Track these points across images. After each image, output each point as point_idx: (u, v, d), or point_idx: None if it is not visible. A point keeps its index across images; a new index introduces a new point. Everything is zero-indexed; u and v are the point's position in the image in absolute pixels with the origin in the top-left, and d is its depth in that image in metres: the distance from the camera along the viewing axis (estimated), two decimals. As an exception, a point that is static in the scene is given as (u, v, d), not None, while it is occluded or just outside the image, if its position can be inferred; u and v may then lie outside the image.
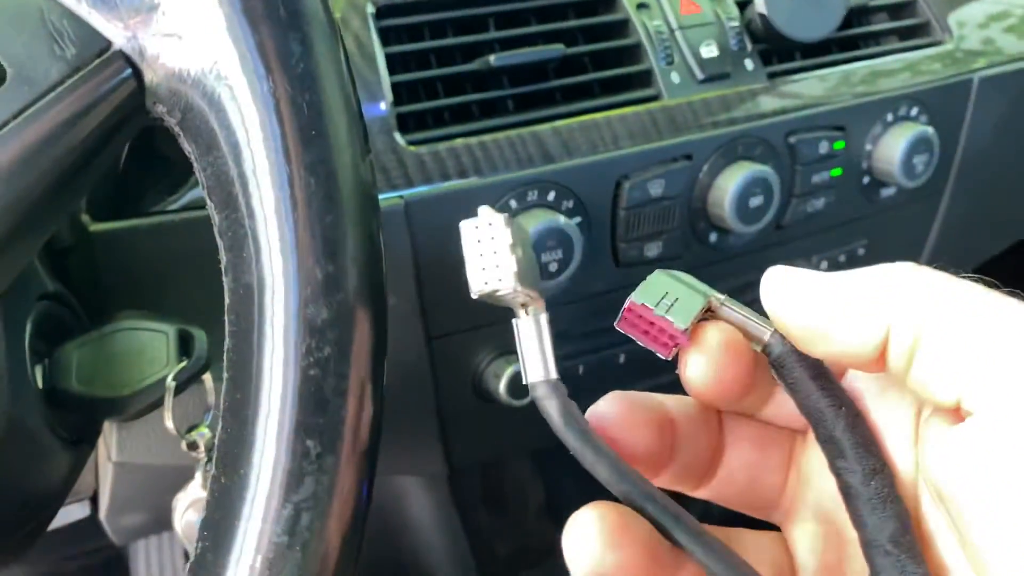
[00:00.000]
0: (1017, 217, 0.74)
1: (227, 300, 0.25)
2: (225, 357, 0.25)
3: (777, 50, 0.58)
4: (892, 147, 0.59)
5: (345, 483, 0.25)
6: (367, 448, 0.25)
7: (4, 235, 0.24)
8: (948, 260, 0.70)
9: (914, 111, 0.61)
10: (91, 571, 0.88)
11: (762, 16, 0.55)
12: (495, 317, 0.53)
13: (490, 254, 0.24)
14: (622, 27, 0.55)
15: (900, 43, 0.63)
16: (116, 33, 0.25)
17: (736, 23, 0.56)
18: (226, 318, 0.25)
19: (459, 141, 0.49)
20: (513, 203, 0.49)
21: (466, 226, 0.24)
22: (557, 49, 0.51)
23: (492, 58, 0.50)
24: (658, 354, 0.24)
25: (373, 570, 0.67)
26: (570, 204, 0.51)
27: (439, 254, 0.49)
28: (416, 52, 0.50)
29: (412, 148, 0.48)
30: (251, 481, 0.24)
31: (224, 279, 0.25)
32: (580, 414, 0.25)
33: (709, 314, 0.25)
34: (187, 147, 0.26)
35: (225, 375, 0.25)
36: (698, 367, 0.24)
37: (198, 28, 0.24)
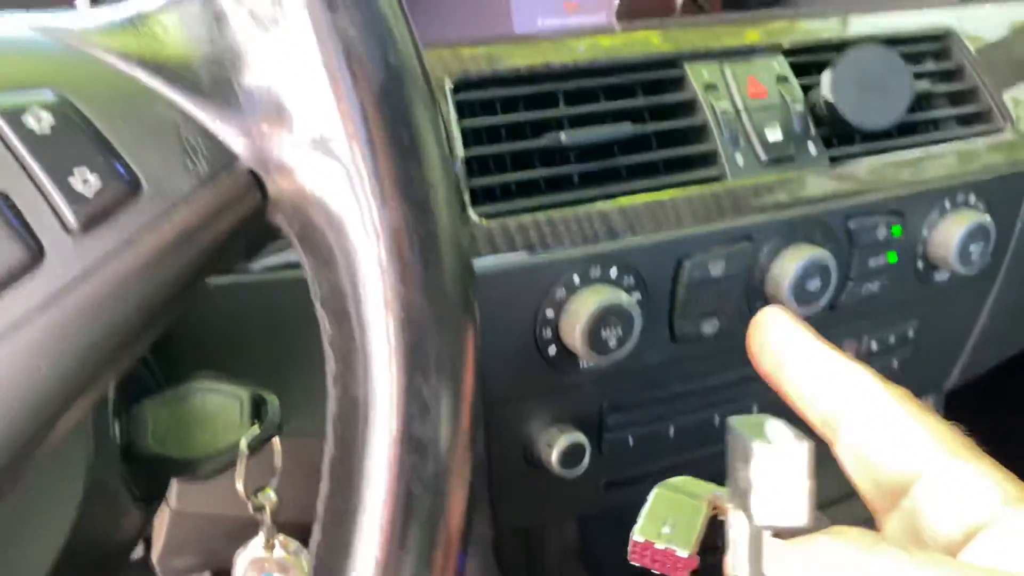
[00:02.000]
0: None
1: (333, 408, 0.26)
2: (326, 461, 0.26)
3: (839, 135, 0.59)
4: (949, 234, 0.59)
5: None
6: (461, 564, 0.26)
7: (134, 330, 0.25)
8: (995, 342, 0.70)
9: (972, 199, 0.61)
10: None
11: (827, 102, 0.56)
12: (550, 387, 0.53)
13: (784, 485, 0.21)
14: (689, 107, 0.56)
15: (960, 129, 0.63)
16: (244, 148, 0.26)
17: (801, 107, 0.57)
18: (329, 426, 0.26)
19: (527, 217, 0.50)
20: (576, 279, 0.50)
21: (759, 449, 0.22)
22: (626, 129, 0.53)
23: (563, 136, 0.51)
24: None
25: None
26: (631, 280, 0.52)
27: (500, 323, 0.50)
28: (488, 127, 0.52)
29: (484, 222, 0.49)
30: None
31: (331, 387, 0.26)
32: None
33: (716, 510, 0.26)
34: (303, 256, 0.27)
35: (327, 482, 0.26)
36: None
37: (322, 152, 0.25)
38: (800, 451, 0.21)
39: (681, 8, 0.74)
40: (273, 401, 0.43)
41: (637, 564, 0.25)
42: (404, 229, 0.25)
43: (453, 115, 0.50)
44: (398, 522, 0.25)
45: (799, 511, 0.21)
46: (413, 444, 0.25)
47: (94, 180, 0.24)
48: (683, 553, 0.24)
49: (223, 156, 0.26)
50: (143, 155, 0.25)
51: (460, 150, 0.50)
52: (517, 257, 0.49)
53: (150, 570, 0.61)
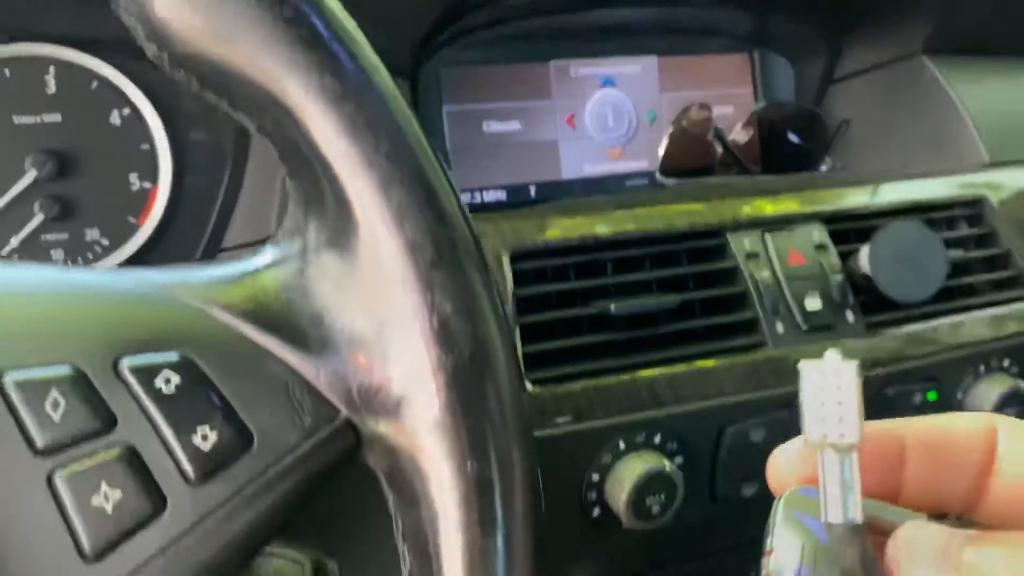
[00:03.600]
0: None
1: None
2: None
3: (875, 301, 0.61)
4: (983, 399, 0.61)
5: None
6: None
7: (236, 563, 0.28)
8: None
9: (1006, 363, 0.63)
10: None
11: (866, 276, 0.58)
12: (592, 547, 0.55)
13: (834, 405, 0.23)
14: (731, 275, 0.58)
15: (994, 294, 0.65)
16: (343, 401, 0.29)
17: (840, 276, 0.59)
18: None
19: (576, 385, 0.52)
20: (622, 444, 0.52)
21: (807, 370, 0.23)
22: (673, 301, 0.55)
23: (612, 306, 0.54)
24: None
25: None
26: (674, 446, 0.54)
27: (549, 487, 0.52)
28: (541, 294, 0.55)
29: (536, 389, 0.51)
30: None
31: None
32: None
33: None
34: (389, 493, 0.29)
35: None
36: None
37: (410, 417, 0.28)
38: (847, 369, 0.22)
39: (720, 161, 0.78)
40: (334, 569, 0.45)
41: None
42: (484, 484, 0.27)
43: (510, 284, 0.53)
44: None
45: (850, 427, 0.22)
46: None
47: (213, 436, 0.27)
48: None
49: (327, 411, 0.29)
50: (256, 411, 0.28)
51: (514, 317, 0.53)
52: (566, 423, 0.52)
53: None
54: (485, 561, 0.27)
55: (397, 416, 0.28)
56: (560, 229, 0.56)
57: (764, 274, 0.58)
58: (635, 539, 0.56)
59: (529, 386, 0.52)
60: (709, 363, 0.55)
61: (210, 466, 0.27)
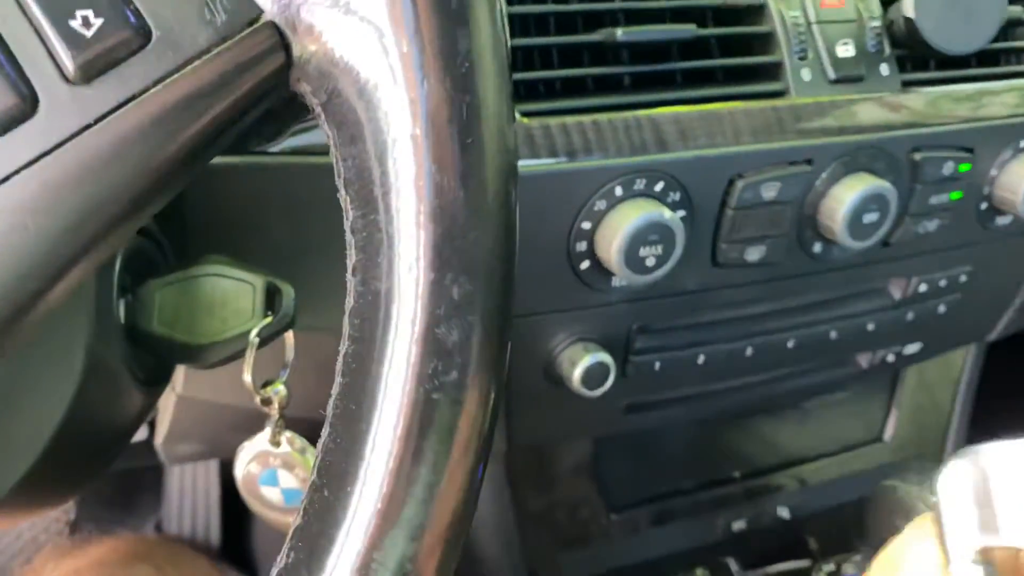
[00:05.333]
0: None
1: (351, 302, 0.24)
2: (341, 359, 0.24)
3: (914, 57, 0.54)
4: (1020, 176, 0.55)
5: (454, 512, 0.23)
6: (478, 480, 0.23)
7: (135, 197, 0.22)
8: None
9: (1049, 139, 0.57)
10: (126, 479, 0.89)
11: (907, 20, 0.51)
12: (578, 303, 0.51)
13: None
14: (757, 13, 0.51)
15: (1045, 63, 0.58)
16: (269, 2, 0.22)
17: (878, 23, 0.52)
18: (347, 320, 0.24)
19: (571, 118, 0.46)
20: (619, 190, 0.47)
21: None
22: (689, 29, 0.48)
23: (619, 32, 0.47)
24: None
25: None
26: (676, 197, 0.48)
27: (531, 231, 0.47)
28: (537, 16, 0.48)
29: (524, 120, 0.45)
30: (355, 502, 0.22)
31: (350, 278, 0.24)
32: None
33: None
34: (327, 131, 0.24)
35: (340, 378, 0.24)
36: None
37: (356, 12, 0.22)
38: None
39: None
40: (288, 291, 0.40)
41: None
42: (443, 104, 0.22)
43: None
44: (414, 430, 0.22)
45: None
46: (436, 347, 0.22)
47: (97, 23, 0.21)
48: None
49: (246, 8, 0.22)
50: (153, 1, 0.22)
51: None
52: (557, 161, 0.46)
53: (153, 454, 0.60)
54: (442, 200, 0.22)
55: (336, 20, 0.22)
56: (564, -58, 0.48)
57: (794, 14, 0.51)
58: (625, 299, 0.51)
59: (518, 116, 0.45)
60: (723, 107, 0.49)
61: (93, 60, 0.21)
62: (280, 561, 0.24)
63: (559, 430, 0.58)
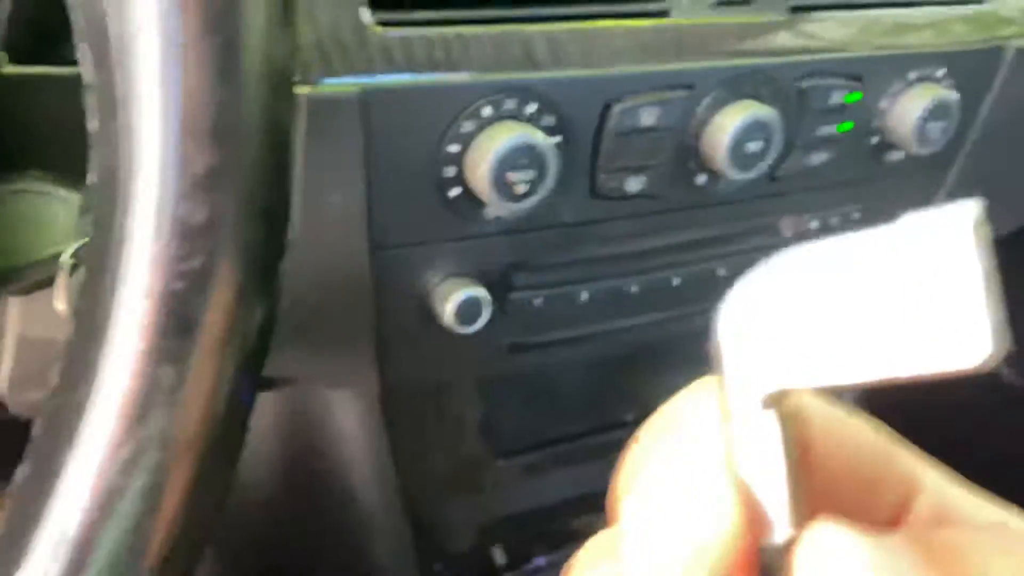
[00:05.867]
0: None
1: (91, 178, 0.20)
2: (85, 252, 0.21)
3: (805, -18, 0.52)
4: (909, 109, 0.54)
5: (201, 425, 0.20)
6: (236, 384, 0.20)
7: None
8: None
9: (939, 72, 0.55)
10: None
11: (796, -61, 0.49)
12: (450, 235, 0.48)
13: None
14: (638, -73, 0.48)
15: (937, -6, 0.57)
16: None
17: (765, -58, 0.50)
18: (87, 199, 0.20)
19: (435, 29, 0.43)
20: (488, 110, 0.44)
21: None
22: (562, -60, 0.45)
23: (486, -62, 0.44)
24: None
25: (295, 487, 0.64)
26: (551, 121, 0.45)
27: (394, 155, 0.44)
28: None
29: (379, 29, 0.42)
30: (89, 408, 0.19)
31: (91, 153, 0.20)
32: None
33: None
34: None
35: (85, 266, 0.21)
36: None
37: None
38: None
39: None
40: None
41: None
42: None
43: (356, -103, 0.42)
44: (153, 325, 0.19)
45: None
46: (179, 228, 0.19)
47: None
48: None
49: None
50: None
51: (361, -58, 0.42)
52: (419, 77, 0.43)
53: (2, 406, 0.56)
54: (183, 57, 0.19)
55: None
56: None
57: (677, -71, 0.48)
58: (500, 231, 0.49)
59: (373, 24, 0.42)
60: (600, 25, 0.46)
61: None
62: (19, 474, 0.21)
63: (436, 370, 0.56)
